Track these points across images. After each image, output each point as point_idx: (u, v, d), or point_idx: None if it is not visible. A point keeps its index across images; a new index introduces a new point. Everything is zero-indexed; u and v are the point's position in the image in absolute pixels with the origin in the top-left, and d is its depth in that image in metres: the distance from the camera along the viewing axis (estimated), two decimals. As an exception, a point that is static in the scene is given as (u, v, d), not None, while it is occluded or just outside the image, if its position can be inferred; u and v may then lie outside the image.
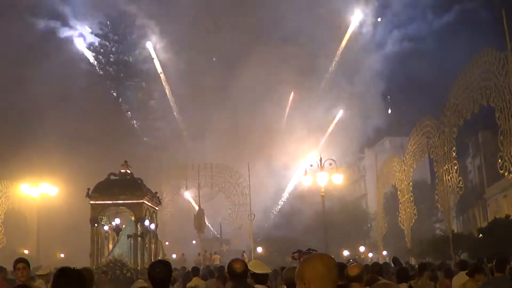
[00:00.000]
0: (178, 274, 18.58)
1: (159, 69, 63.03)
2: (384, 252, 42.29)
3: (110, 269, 17.07)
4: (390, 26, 61.98)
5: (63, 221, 41.07)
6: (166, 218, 40.96)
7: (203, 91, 58.77)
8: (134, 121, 64.87)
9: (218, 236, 54.74)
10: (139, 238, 21.16)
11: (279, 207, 56.98)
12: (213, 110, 57.64)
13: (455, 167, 25.05)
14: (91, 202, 20.75)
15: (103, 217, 21.96)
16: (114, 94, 63.43)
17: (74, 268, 4.39)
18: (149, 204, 22.12)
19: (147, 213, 21.83)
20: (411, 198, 32.03)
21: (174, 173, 45.12)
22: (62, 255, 46.91)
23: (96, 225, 21.04)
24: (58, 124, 47.62)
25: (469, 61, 22.91)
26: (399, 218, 33.72)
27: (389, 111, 63.71)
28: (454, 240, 26.70)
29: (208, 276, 16.44)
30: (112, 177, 21.52)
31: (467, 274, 11.15)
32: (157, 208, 23.85)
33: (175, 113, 63.49)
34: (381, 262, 25.27)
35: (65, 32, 61.00)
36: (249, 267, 6.62)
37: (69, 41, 60.88)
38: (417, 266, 16.51)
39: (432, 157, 28.42)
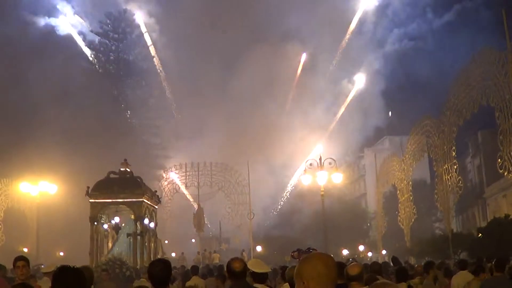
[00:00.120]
0: (177, 272, 18.57)
1: (153, 52, 62.52)
2: (384, 252, 42.29)
3: (109, 268, 17.07)
4: (391, 25, 62.01)
5: (63, 219, 41.09)
6: (166, 216, 40.96)
7: (203, 89, 58.82)
8: (134, 119, 64.87)
9: (218, 235, 54.77)
10: (139, 237, 21.20)
11: (279, 206, 56.98)
12: (213, 108, 57.67)
13: (455, 167, 25.05)
14: (91, 200, 20.79)
15: (102, 216, 22.00)
16: (114, 92, 63.38)
17: (73, 266, 4.39)
18: (149, 202, 22.15)
19: (147, 211, 21.86)
20: (411, 198, 32.04)
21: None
22: (61, 253, 46.92)
23: (95, 223, 21.08)
24: (57, 122, 47.64)
25: (469, 61, 22.90)
26: (399, 218, 33.72)
27: (390, 114, 63.56)
28: (453, 239, 26.71)
29: (207, 275, 16.44)
30: (112, 175, 21.56)
31: (472, 272, 11.19)
32: (156, 207, 23.89)
33: (174, 111, 63.56)
34: (380, 261, 25.30)
35: (65, 30, 61.00)
36: (248, 266, 6.62)
37: (69, 39, 60.85)
38: (422, 264, 16.53)
39: (431, 156, 28.42)
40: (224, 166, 43.53)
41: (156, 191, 23.72)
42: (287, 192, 57.82)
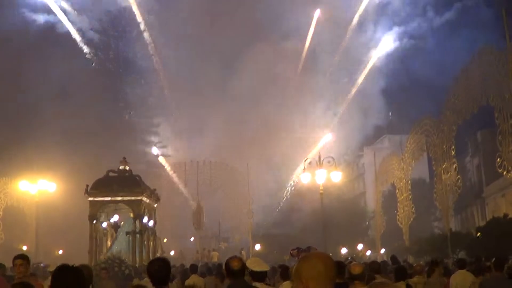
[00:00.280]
0: (176, 271, 18.59)
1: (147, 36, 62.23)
2: (382, 250, 42.30)
3: (108, 266, 17.08)
4: (390, 23, 61.93)
5: (62, 217, 41.07)
6: (164, 215, 40.95)
7: (202, 88, 58.77)
8: (133, 117, 64.83)
9: (217, 233, 54.80)
10: (138, 235, 21.20)
11: (280, 205, 56.95)
12: (212, 107, 57.62)
13: (454, 166, 25.08)
14: (90, 199, 20.79)
15: (101, 214, 22.00)
16: (113, 90, 63.32)
17: (72, 265, 4.40)
18: (148, 201, 22.16)
19: (146, 210, 21.86)
20: (410, 197, 32.08)
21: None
22: (60, 252, 46.93)
23: (94, 221, 21.08)
24: (57, 121, 47.60)
25: (469, 61, 22.92)
26: (398, 216, 33.76)
27: (390, 114, 63.53)
28: (452, 238, 26.75)
29: (206, 273, 16.46)
30: (111, 174, 21.55)
31: (472, 271, 11.23)
32: (155, 205, 23.88)
33: (173, 110, 63.46)
34: (379, 260, 25.37)
35: (64, 28, 60.91)
36: (247, 265, 6.63)
37: (68, 37, 60.77)
38: (422, 262, 16.56)
39: (431, 155, 28.45)
40: (223, 165, 43.56)
41: (155, 189, 23.70)
42: (287, 192, 57.81)
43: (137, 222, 21.17)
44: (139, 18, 62.40)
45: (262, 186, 48.99)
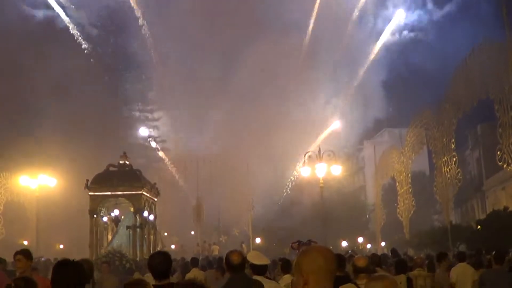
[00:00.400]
0: (177, 264, 18.62)
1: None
2: (383, 243, 42.37)
3: (109, 260, 17.12)
4: (390, 15, 61.82)
5: (62, 212, 41.13)
6: (165, 208, 40.96)
7: (202, 82, 58.69)
8: (133, 112, 64.83)
9: (217, 226, 54.87)
10: (138, 229, 21.24)
11: (281, 199, 57.01)
12: (212, 101, 57.59)
13: (454, 159, 25.05)
14: (90, 193, 20.81)
15: (102, 208, 22.03)
16: (113, 85, 63.24)
17: (73, 260, 4.41)
18: (148, 195, 22.19)
19: (146, 204, 21.89)
20: (410, 190, 32.07)
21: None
22: (61, 246, 47.03)
23: (95, 216, 21.11)
24: (56, 116, 47.59)
25: (469, 54, 22.87)
26: (398, 210, 33.77)
27: (390, 109, 63.52)
28: (452, 231, 26.74)
29: (207, 266, 16.50)
30: (111, 168, 21.58)
31: (472, 265, 11.25)
32: (156, 199, 23.91)
33: (173, 104, 63.42)
34: (379, 253, 25.40)
35: (63, 23, 60.79)
36: (247, 258, 6.64)
37: (67, 32, 60.67)
38: (422, 255, 16.57)
39: (431, 148, 28.42)
40: (223, 158, 43.56)
41: (155, 184, 23.72)
42: (288, 186, 57.86)
43: (138, 216, 21.21)
44: (137, 12, 62.27)
45: (262, 179, 48.97)
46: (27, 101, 49.73)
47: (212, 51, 58.61)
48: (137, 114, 65.18)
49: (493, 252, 10.47)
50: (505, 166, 19.96)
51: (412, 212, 31.94)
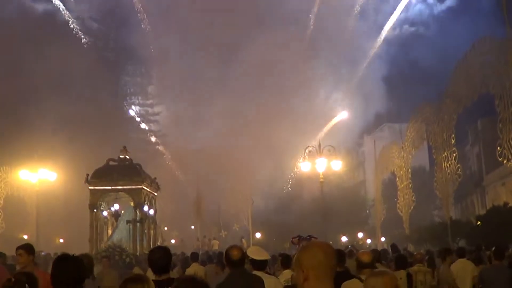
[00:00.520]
0: (177, 259, 18.64)
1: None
2: (382, 239, 42.43)
3: (109, 255, 17.13)
4: (391, 9, 61.71)
5: (62, 206, 41.17)
6: (165, 203, 41.00)
7: (203, 76, 58.63)
8: (133, 106, 64.82)
9: (217, 221, 54.92)
10: (138, 224, 21.25)
11: (279, 193, 57.03)
12: (213, 94, 57.52)
13: (454, 154, 25.05)
14: (90, 187, 20.81)
15: (102, 203, 22.03)
16: (113, 79, 63.19)
17: (73, 255, 4.41)
18: (148, 189, 22.18)
19: (146, 198, 21.89)
20: (410, 185, 32.08)
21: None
22: (61, 240, 47.07)
23: (95, 210, 21.12)
24: (56, 110, 47.56)
25: (469, 49, 22.83)
26: (398, 205, 33.79)
27: (391, 105, 63.52)
28: (452, 227, 26.78)
29: (207, 261, 16.51)
30: (111, 162, 21.57)
31: (472, 260, 11.25)
32: (156, 194, 23.90)
33: (173, 98, 63.42)
34: (379, 248, 25.42)
35: (63, 17, 60.70)
36: (247, 253, 6.64)
37: (68, 25, 60.58)
38: (423, 251, 16.55)
39: (431, 144, 28.41)
40: (223, 153, 43.54)
41: (155, 178, 23.71)
42: (289, 181, 57.88)
43: (138, 210, 21.21)
44: (138, 6, 62.17)
45: (262, 174, 49.01)
46: (27, 95, 49.67)
47: (213, 45, 58.51)
48: (137, 108, 65.18)
49: (493, 248, 10.46)
50: (505, 161, 19.95)
51: (412, 207, 31.95)
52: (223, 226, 54.45)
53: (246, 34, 56.70)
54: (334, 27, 59.70)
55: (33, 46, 51.65)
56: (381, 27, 61.37)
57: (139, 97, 65.23)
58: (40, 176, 32.65)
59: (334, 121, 56.68)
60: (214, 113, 57.23)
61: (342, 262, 7.48)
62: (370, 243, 48.59)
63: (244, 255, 6.26)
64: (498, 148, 19.98)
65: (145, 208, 21.71)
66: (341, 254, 7.75)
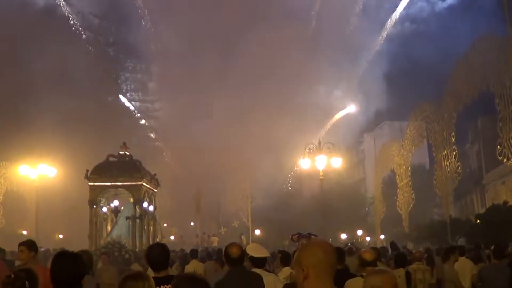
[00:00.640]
0: (176, 256, 18.66)
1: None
2: (382, 236, 42.43)
3: (108, 251, 17.14)
4: (393, 7, 61.66)
5: (62, 202, 41.16)
6: (164, 199, 41.03)
7: (203, 72, 58.53)
8: (133, 102, 64.82)
9: (217, 218, 54.94)
10: (138, 220, 21.25)
11: (279, 190, 57.05)
12: (213, 91, 57.43)
13: (454, 153, 25.05)
14: (90, 183, 20.80)
15: (101, 199, 22.03)
16: (113, 75, 63.18)
17: (72, 251, 4.41)
18: (148, 186, 22.18)
19: (146, 195, 21.90)
20: (410, 183, 32.07)
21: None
22: (61, 236, 47.06)
23: (94, 206, 21.11)
24: (56, 105, 47.50)
25: (470, 47, 22.83)
26: (397, 203, 33.79)
27: (391, 101, 63.48)
28: (451, 225, 26.80)
29: (206, 258, 16.52)
30: (111, 158, 21.56)
31: (471, 259, 11.25)
32: (155, 190, 23.91)
33: (173, 95, 63.38)
34: (378, 246, 25.44)
35: (64, 12, 60.62)
36: (247, 251, 6.63)
37: (68, 20, 60.50)
38: (421, 249, 16.53)
39: (431, 142, 28.41)
40: (223, 149, 43.53)
41: (155, 174, 23.71)
42: (289, 178, 57.87)
43: (137, 207, 21.22)
44: (138, 2, 62.12)
45: (262, 170, 48.97)
46: (27, 90, 49.62)
47: (213, 41, 58.42)
48: (138, 104, 65.17)
49: (492, 247, 10.45)
50: (505, 160, 19.96)
51: (411, 205, 31.96)
52: (223, 223, 54.45)
53: (247, 30, 56.60)
54: (336, 24, 59.66)
55: (33, 41, 51.60)
56: (382, 25, 61.33)
57: (140, 94, 65.25)
58: (39, 172, 32.62)
59: (341, 114, 56.68)
60: (214, 109, 57.17)
61: (342, 260, 7.48)
62: (369, 241, 48.59)
63: (243, 253, 6.25)
64: (498, 146, 19.99)
65: (145, 204, 21.72)
66: (340, 252, 7.75)
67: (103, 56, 62.14)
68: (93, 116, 50.01)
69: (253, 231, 43.99)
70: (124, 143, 22.14)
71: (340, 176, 53.40)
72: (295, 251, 6.57)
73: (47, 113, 46.04)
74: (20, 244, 7.46)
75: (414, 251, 14.36)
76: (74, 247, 4.67)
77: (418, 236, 32.30)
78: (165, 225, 47.81)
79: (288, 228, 36.11)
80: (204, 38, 58.86)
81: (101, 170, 20.96)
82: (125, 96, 64.13)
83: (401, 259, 10.19)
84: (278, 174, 57.17)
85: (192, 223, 52.64)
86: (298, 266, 3.23)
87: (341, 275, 6.06)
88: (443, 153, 25.72)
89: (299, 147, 44.57)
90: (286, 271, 8.39)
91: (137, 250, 20.11)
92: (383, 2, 62.12)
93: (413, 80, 59.87)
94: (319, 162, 28.36)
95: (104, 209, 22.77)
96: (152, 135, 62.57)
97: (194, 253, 14.66)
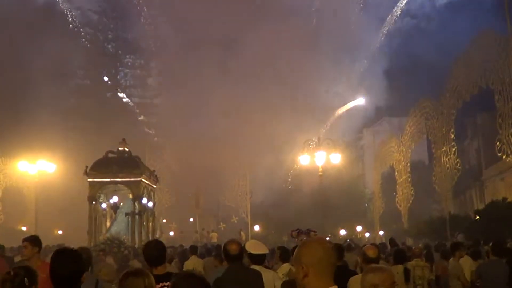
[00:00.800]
0: (175, 252, 18.66)
1: None
2: (381, 232, 42.48)
3: (107, 247, 17.16)
4: (392, 2, 61.58)
5: (61, 198, 41.16)
6: (163, 195, 41.04)
7: (202, 68, 58.46)
8: (132, 98, 64.72)
9: (216, 214, 54.94)
10: (137, 216, 21.27)
11: (279, 186, 57.04)
12: (213, 87, 57.36)
13: (453, 149, 25.08)
14: (89, 179, 20.82)
15: (101, 195, 22.05)
16: (112, 71, 63.09)
17: (71, 248, 4.41)
18: (147, 182, 22.20)
19: (145, 191, 21.91)
20: (409, 179, 32.11)
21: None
22: (60, 232, 47.10)
23: (94, 202, 21.14)
24: (56, 101, 47.49)
25: (470, 43, 22.83)
26: (396, 199, 33.83)
27: (390, 97, 63.43)
28: (450, 221, 26.82)
29: (205, 254, 16.51)
30: (110, 155, 21.57)
31: (470, 255, 11.24)
32: (155, 186, 23.93)
33: (172, 91, 63.29)
34: (377, 242, 25.46)
35: (63, 8, 60.51)
36: (246, 248, 6.62)
37: (67, 17, 60.39)
38: (421, 245, 16.58)
39: (430, 138, 28.44)
40: (223, 145, 43.52)
41: (154, 171, 23.72)
42: (289, 175, 57.84)
43: (136, 203, 21.24)
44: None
45: (262, 167, 48.96)
46: (26, 86, 49.59)
47: (213, 37, 58.31)
48: (137, 100, 65.08)
49: (491, 243, 10.46)
50: (504, 156, 19.98)
51: (410, 201, 32.01)
52: (222, 219, 54.45)
53: (247, 26, 56.50)
54: (336, 20, 59.57)
55: (32, 37, 51.52)
56: (382, 21, 61.26)
57: (139, 89, 65.15)
58: (39, 168, 32.60)
59: (350, 105, 56.69)
60: (214, 106, 57.10)
61: (341, 257, 7.49)
62: (368, 237, 48.63)
63: (242, 250, 6.25)
64: (497, 143, 20.01)
65: (144, 200, 21.74)
66: (340, 249, 7.76)
67: (102, 52, 62.04)
68: (92, 112, 49.97)
69: (252, 227, 44.01)
70: (124, 139, 22.15)
71: (339, 172, 53.38)
72: (294, 247, 6.56)
73: (46, 109, 46.03)
74: (24, 240, 7.45)
75: (413, 247, 14.37)
76: (74, 243, 4.67)
77: (417, 232, 32.32)
78: (164, 221, 47.83)
79: (287, 224, 36.14)
80: (204, 35, 58.76)
81: (101, 166, 20.97)
82: (124, 92, 64.03)
83: (400, 255, 10.18)
84: (277, 170, 57.15)
85: (191, 219, 52.65)
86: (298, 264, 3.22)
87: (340, 272, 6.06)
88: (443, 149, 25.75)
89: (298, 144, 44.60)
90: (285, 267, 8.39)
91: (136, 246, 20.12)
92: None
93: (413, 76, 59.82)
94: (318, 158, 28.34)
95: (103, 205, 22.80)
96: (151, 131, 62.47)
97: (193, 249, 14.66)
